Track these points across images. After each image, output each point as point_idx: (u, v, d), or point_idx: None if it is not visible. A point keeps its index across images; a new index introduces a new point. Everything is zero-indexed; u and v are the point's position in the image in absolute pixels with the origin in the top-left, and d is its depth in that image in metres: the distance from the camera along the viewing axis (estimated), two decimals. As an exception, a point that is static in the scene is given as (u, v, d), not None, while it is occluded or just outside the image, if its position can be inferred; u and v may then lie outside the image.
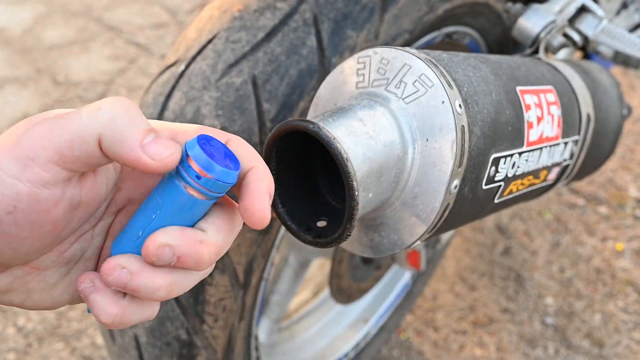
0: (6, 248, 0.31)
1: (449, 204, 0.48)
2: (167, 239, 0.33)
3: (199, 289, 0.72)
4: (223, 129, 0.66)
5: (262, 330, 1.11)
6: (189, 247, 0.33)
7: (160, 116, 0.69)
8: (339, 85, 0.51)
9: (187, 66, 0.70)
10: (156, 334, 0.74)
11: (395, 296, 1.34)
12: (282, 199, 0.46)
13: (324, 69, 0.67)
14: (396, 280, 1.35)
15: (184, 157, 0.33)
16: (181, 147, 0.34)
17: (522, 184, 0.61)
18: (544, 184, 0.67)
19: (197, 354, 0.75)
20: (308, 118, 0.54)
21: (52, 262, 0.36)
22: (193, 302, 0.72)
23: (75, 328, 1.44)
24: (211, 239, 0.35)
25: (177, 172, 0.34)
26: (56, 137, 0.30)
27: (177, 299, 0.72)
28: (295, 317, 1.28)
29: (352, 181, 0.41)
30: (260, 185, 0.35)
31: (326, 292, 1.33)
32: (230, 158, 0.35)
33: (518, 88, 0.58)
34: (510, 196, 0.60)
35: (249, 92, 0.66)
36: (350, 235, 0.44)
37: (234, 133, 0.66)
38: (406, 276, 1.35)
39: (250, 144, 0.66)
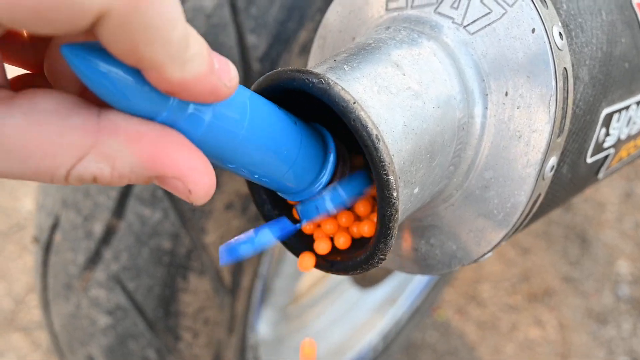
0: None
1: (540, 194, 0.35)
2: None
3: (169, 297, 0.61)
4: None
5: (264, 323, 1.04)
6: None
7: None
8: (358, 8, 0.39)
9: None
10: (116, 355, 0.66)
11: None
12: (275, 196, 0.34)
13: (333, -19, 0.56)
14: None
15: None
16: None
17: (635, 145, 0.48)
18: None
19: (173, 379, 0.66)
20: (311, 59, 0.41)
21: None
22: (163, 314, 0.63)
23: (37, 318, 1.39)
24: None
25: None
26: None
27: (141, 311, 0.62)
28: (306, 301, 1.21)
29: (387, 175, 0.28)
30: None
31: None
32: None
33: (634, 0, 0.44)
34: (617, 166, 0.47)
35: (225, 20, 0.57)
36: (384, 258, 0.31)
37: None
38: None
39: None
